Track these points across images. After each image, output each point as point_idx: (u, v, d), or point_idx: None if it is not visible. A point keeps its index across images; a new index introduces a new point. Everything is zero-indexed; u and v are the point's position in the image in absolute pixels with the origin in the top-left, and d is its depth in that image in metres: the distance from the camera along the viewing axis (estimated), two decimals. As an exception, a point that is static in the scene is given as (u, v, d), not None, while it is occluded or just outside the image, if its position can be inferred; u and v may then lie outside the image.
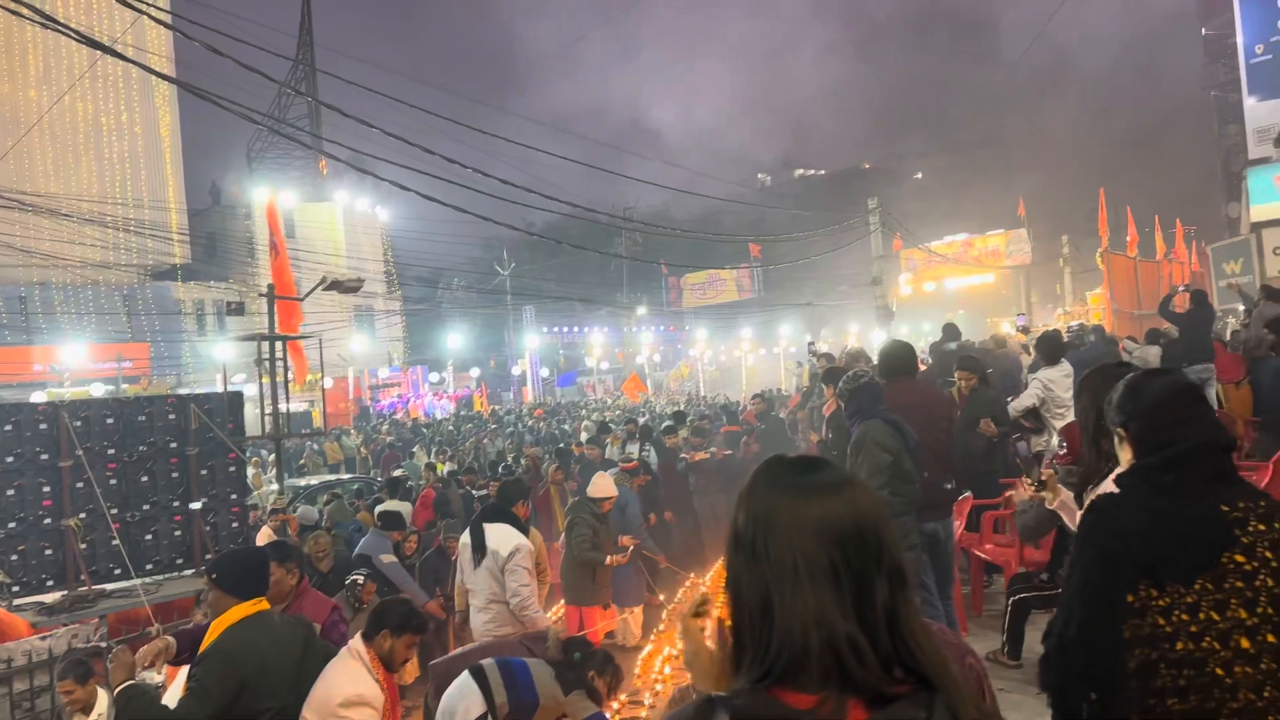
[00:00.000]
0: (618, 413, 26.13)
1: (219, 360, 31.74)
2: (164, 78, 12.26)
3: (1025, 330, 13.83)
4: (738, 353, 46.93)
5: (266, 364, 8.40)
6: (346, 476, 18.00)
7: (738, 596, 1.26)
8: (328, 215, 41.99)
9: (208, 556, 8.82)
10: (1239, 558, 2.02)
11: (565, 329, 51.26)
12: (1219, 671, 1.98)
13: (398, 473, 13.44)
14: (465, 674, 4.36)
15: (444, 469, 14.79)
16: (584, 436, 17.36)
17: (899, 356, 5.77)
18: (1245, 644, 1.98)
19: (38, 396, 20.64)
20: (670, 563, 9.13)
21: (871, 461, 4.72)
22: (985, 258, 42.08)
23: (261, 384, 8.84)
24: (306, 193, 42.33)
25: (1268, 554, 2.02)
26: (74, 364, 27.43)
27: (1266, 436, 9.59)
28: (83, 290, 33.74)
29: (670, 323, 56.67)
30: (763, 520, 1.26)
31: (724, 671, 1.29)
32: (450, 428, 26.16)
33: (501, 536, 5.63)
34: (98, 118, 37.49)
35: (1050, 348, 8.09)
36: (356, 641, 3.78)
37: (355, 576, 7.23)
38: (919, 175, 75.37)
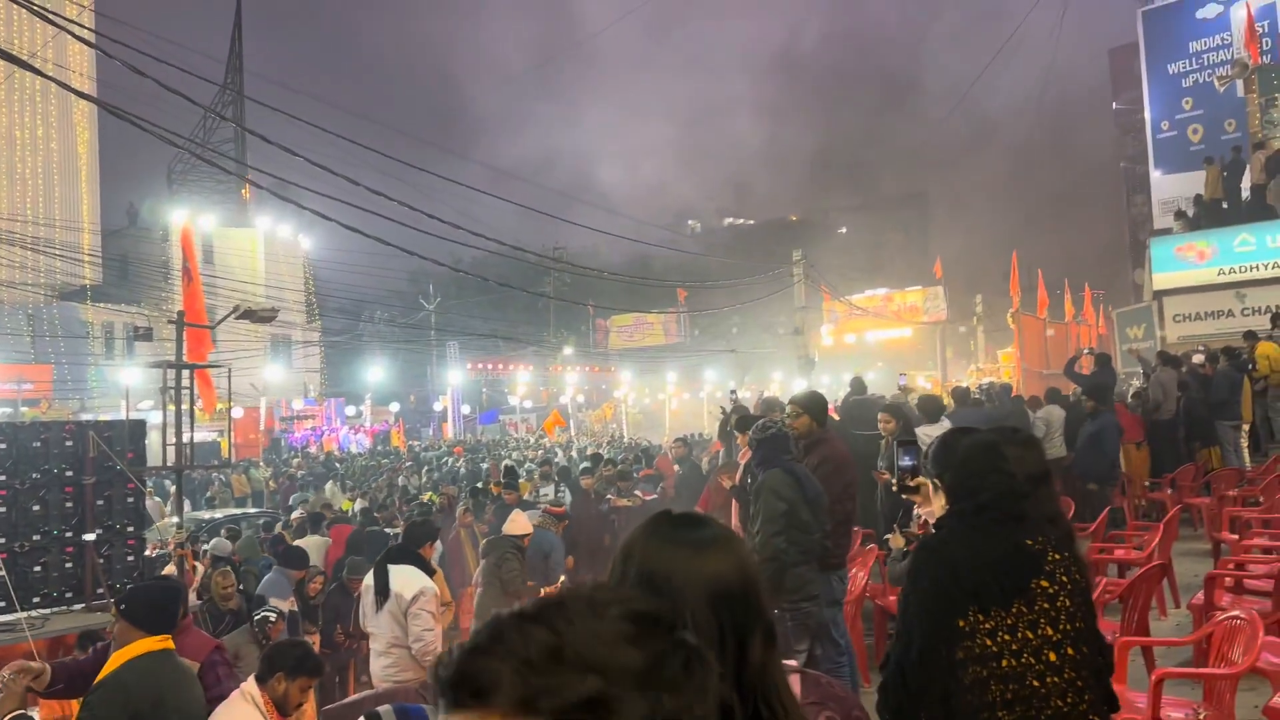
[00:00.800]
0: (539, 452, 25.99)
1: (125, 386, 30.71)
2: (82, 96, 12.01)
3: (905, 390, 14.27)
4: (662, 396, 47.18)
5: (172, 392, 8.16)
6: (254, 510, 17.54)
7: None
8: (248, 241, 41.18)
9: (99, 590, 8.49)
10: (1044, 583, 2.36)
11: (489, 366, 50.85)
12: (1035, 683, 2.29)
13: (296, 512, 13.13)
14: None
15: (351, 507, 14.49)
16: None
17: (814, 405, 5.94)
18: (1053, 657, 2.31)
19: (-73, 417, 19.68)
20: None
21: (767, 509, 4.82)
22: (904, 313, 43.28)
23: (166, 412, 8.60)
24: (228, 217, 41.47)
25: (1064, 578, 2.38)
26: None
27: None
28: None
29: (595, 363, 56.74)
30: (658, 577, 1.24)
31: None
32: (364, 463, 25.68)
33: (406, 579, 5.53)
34: (11, 131, 36.32)
35: (931, 407, 8.55)
36: (250, 684, 3.70)
37: (266, 613, 7.02)
38: (843, 229, 77.16)
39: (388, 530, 10.96)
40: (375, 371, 43.73)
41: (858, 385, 10.92)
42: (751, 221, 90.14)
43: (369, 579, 5.85)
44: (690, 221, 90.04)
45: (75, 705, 5.56)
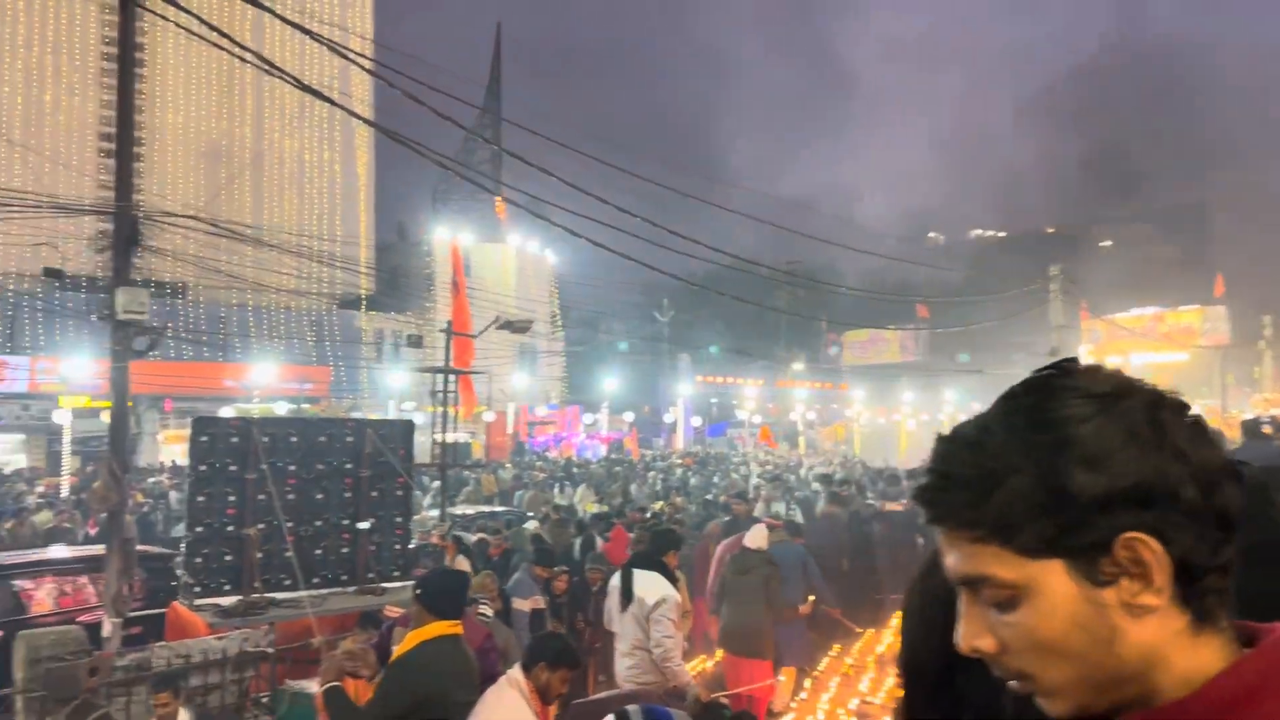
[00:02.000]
0: (770, 467, 25.89)
1: (394, 388, 33.51)
2: (364, 120, 13.23)
3: None
4: (896, 416, 45.63)
5: (439, 395, 8.83)
6: (500, 509, 18.52)
7: (917, 667, 1.21)
8: (501, 256, 43.89)
9: (369, 575, 9.27)
10: None
11: (719, 379, 51.38)
12: None
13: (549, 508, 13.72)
14: (610, 718, 4.44)
15: (592, 509, 15.02)
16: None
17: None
18: None
19: (226, 411, 22.30)
20: (844, 618, 9.06)
21: None
22: (1176, 334, 39.64)
23: (433, 414, 9.30)
24: (483, 234, 44.45)
25: None
26: (263, 382, 29.50)
27: None
28: (275, 314, 36.42)
29: (827, 379, 55.83)
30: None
31: None
32: (599, 469, 26.55)
33: (650, 585, 5.69)
34: (302, 155, 40.56)
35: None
36: (516, 671, 3.91)
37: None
38: (1107, 243, 71.61)
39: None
40: (612, 382, 45.31)
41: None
42: (1002, 234, 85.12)
43: (615, 581, 6.06)
44: (932, 233, 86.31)
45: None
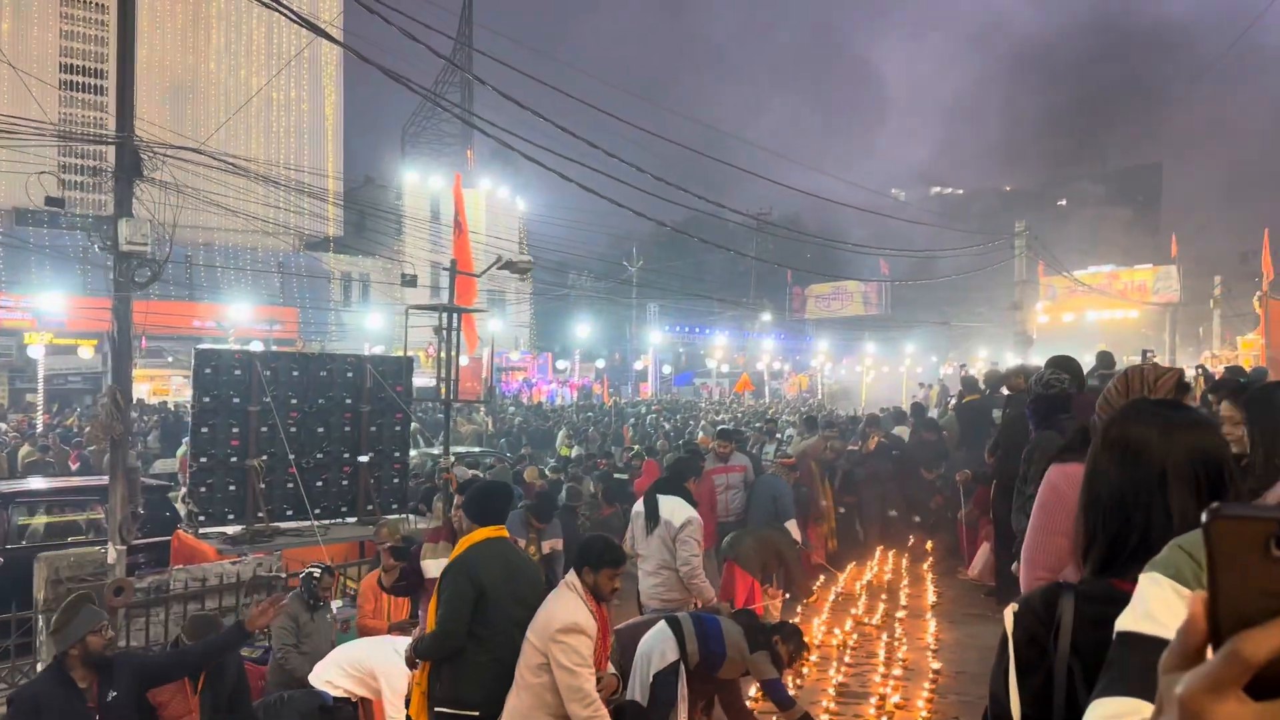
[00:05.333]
0: (739, 415, 26.31)
1: (366, 331, 33.37)
2: (332, 40, 13.05)
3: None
4: (859, 368, 46.34)
5: (444, 334, 8.95)
6: (477, 449, 18.76)
7: (1095, 497, 1.50)
8: (472, 202, 43.50)
9: (369, 507, 9.46)
10: None
11: (686, 328, 51.67)
12: None
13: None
14: (662, 623, 4.79)
15: (570, 453, 15.34)
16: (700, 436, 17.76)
17: (1077, 370, 5.84)
18: None
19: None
20: (824, 560, 9.45)
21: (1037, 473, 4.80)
22: (1130, 292, 40.52)
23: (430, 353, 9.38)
24: (452, 177, 43.98)
25: None
26: (239, 321, 29.30)
27: None
28: (241, 254, 35.90)
29: (792, 331, 56.40)
30: (1141, 437, 1.51)
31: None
32: (574, 415, 26.83)
33: (675, 508, 5.96)
34: (269, 92, 39.70)
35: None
36: (571, 576, 4.19)
37: (311, 570, 6.71)
38: (1063, 201, 72.67)
39: (615, 475, 11.62)
40: (581, 329, 45.30)
41: (1105, 361, 10.43)
42: (960, 191, 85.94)
43: (639, 506, 6.32)
44: (894, 190, 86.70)
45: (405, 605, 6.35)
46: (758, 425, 16.48)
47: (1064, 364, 5.81)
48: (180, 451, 14.76)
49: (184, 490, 11.00)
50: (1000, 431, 7.04)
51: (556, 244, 43.18)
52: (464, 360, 30.71)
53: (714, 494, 8.69)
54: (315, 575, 6.53)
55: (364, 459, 9.69)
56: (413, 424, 12.63)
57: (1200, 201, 53.84)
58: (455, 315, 9.10)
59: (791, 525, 8.37)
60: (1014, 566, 4.30)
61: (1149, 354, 15.07)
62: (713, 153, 18.63)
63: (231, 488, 9.33)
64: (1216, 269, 36.33)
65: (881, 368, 49.50)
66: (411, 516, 10.09)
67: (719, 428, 13.80)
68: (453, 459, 9.58)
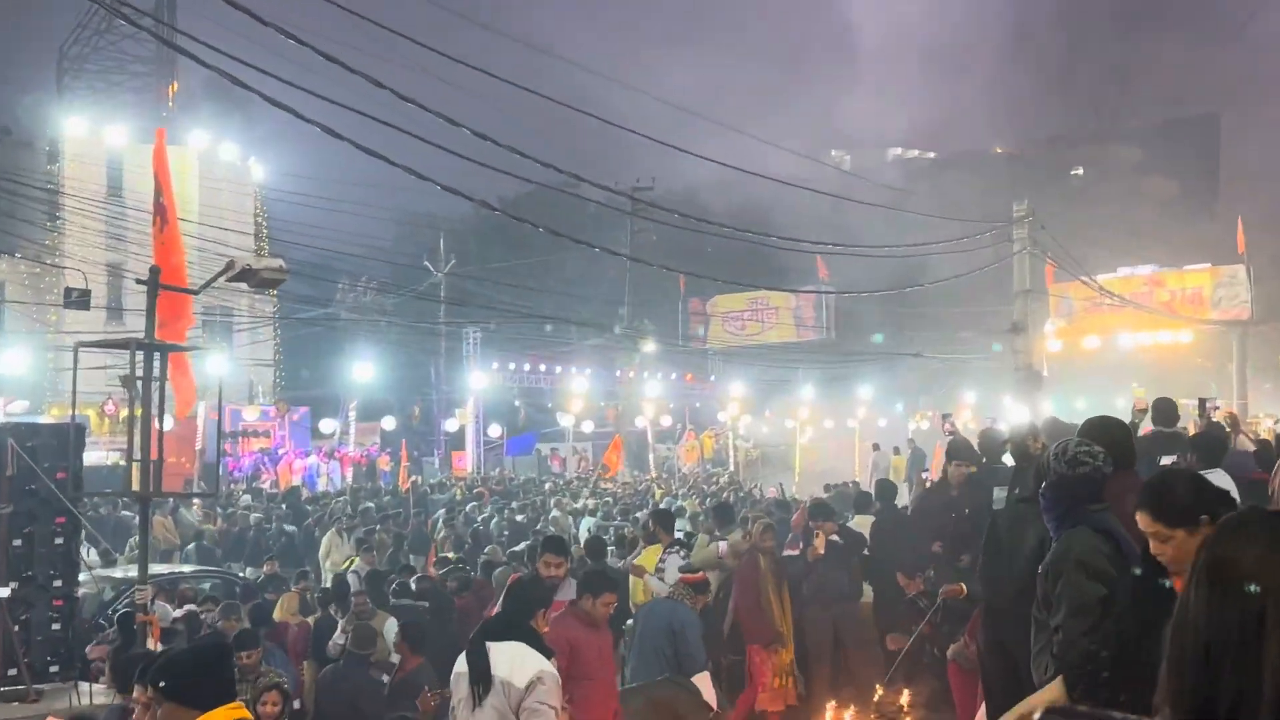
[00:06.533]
0: (609, 500, 26.28)
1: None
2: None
3: (1225, 420, 13.93)
4: (790, 422, 47.04)
5: (137, 385, 8.29)
6: (187, 569, 17.98)
7: (1180, 648, 1.70)
8: (180, 165, 42.26)
9: (11, 672, 8.82)
10: None
11: (525, 367, 51.28)
12: None
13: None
14: None
15: (353, 564, 15.04)
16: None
17: (1122, 440, 6.00)
18: None
19: None
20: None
21: (1074, 596, 4.89)
22: (1180, 304, 42.36)
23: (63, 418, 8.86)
24: (144, 130, 42.50)
25: None
26: None
27: None
28: None
29: (688, 366, 56.82)
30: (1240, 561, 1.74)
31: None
32: (349, 507, 26.21)
33: (517, 660, 5.91)
34: None
35: (1212, 446, 8.78)
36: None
37: None
38: (1079, 170, 75.65)
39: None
40: (359, 369, 44.14)
41: (1165, 413, 10.77)
42: (931, 155, 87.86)
43: (460, 665, 6.19)
44: (836, 152, 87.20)
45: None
46: (636, 518, 16.49)
47: (1099, 432, 5.91)
48: None
49: None
50: (990, 526, 6.88)
51: (316, 234, 41.90)
52: (168, 424, 29.72)
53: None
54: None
55: (4, 593, 9.06)
56: (82, 532, 12.01)
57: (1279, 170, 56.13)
58: (157, 355, 8.46)
59: (702, 679, 8.37)
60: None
61: (1210, 404, 15.49)
62: (567, 99, 18.55)
63: None
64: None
65: (823, 421, 50.38)
66: (86, 685, 9.61)
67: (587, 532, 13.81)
68: (150, 590, 9.06)
